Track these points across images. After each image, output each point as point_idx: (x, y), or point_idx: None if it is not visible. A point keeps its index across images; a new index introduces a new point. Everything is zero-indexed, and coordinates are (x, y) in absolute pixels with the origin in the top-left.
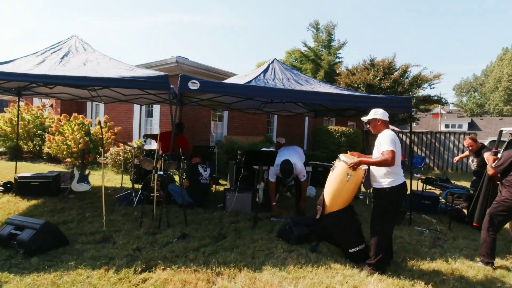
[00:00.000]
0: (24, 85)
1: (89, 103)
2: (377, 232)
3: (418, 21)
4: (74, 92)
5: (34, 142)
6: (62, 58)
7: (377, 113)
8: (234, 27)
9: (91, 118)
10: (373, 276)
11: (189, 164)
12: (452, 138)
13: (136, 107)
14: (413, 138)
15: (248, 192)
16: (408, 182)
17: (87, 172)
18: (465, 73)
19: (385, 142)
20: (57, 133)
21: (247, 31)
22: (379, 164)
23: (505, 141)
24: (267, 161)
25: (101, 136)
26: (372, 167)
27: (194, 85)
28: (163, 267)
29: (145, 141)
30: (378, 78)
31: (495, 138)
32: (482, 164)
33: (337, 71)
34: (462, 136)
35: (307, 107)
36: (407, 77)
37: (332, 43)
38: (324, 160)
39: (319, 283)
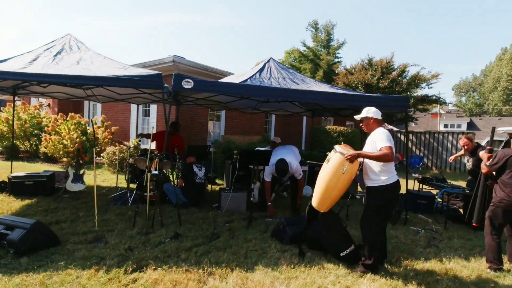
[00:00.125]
0: (18, 83)
1: (86, 103)
2: (370, 231)
3: (418, 21)
4: (70, 92)
5: (31, 142)
6: (55, 56)
7: (370, 112)
8: (234, 27)
9: (88, 117)
10: (366, 276)
11: (184, 163)
12: (450, 138)
13: (133, 107)
14: (411, 137)
15: (243, 192)
16: (404, 181)
17: (81, 171)
18: (465, 73)
19: (382, 139)
20: (53, 132)
21: (247, 31)
22: (378, 158)
23: (501, 140)
24: (262, 160)
25: (97, 136)
26: (367, 165)
27: (188, 84)
28: (154, 267)
29: (140, 141)
30: (376, 77)
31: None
32: (478, 164)
33: (336, 71)
34: (460, 136)
35: (304, 106)
36: (405, 77)
37: (331, 43)
38: (321, 160)
39: (311, 283)
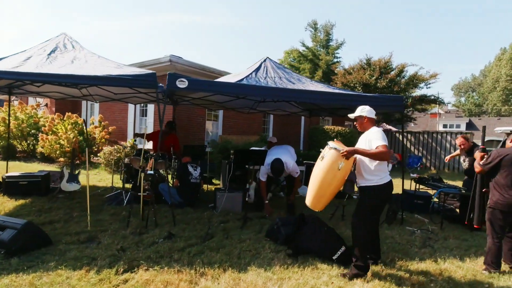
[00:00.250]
0: (11, 83)
1: (84, 103)
2: (363, 231)
3: (418, 21)
4: (65, 91)
5: (28, 142)
6: (49, 55)
7: (364, 111)
8: (234, 27)
9: (86, 117)
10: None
11: (179, 163)
12: (448, 138)
13: (131, 107)
14: (410, 137)
15: (238, 192)
16: (400, 181)
17: (77, 171)
18: (465, 72)
19: (378, 138)
20: (50, 132)
21: (247, 31)
22: (375, 156)
23: (499, 140)
24: (257, 160)
25: (94, 136)
26: (360, 164)
27: (182, 84)
28: (146, 268)
29: (136, 141)
30: (374, 77)
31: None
32: (474, 163)
33: (334, 71)
34: (459, 135)
35: (301, 106)
36: (403, 77)
37: (330, 43)
38: None
39: (304, 283)
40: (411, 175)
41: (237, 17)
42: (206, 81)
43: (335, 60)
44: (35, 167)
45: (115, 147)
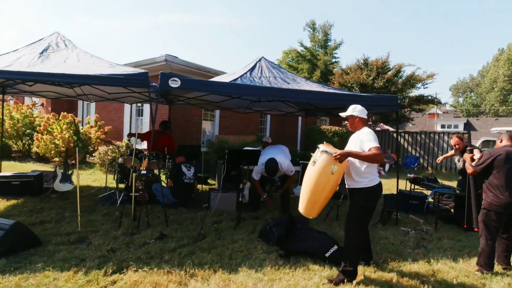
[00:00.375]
0: (2, 82)
1: (80, 102)
2: (356, 232)
3: (417, 22)
4: (59, 90)
5: (24, 141)
6: (41, 53)
7: (355, 110)
8: (234, 27)
9: (82, 117)
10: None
11: (173, 163)
12: (446, 138)
13: (127, 106)
14: (407, 137)
15: (232, 192)
16: (394, 182)
17: (70, 171)
18: (464, 73)
19: (370, 139)
20: (45, 132)
21: (247, 31)
22: (368, 158)
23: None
24: (251, 160)
25: (90, 135)
26: (351, 167)
27: (175, 83)
28: (135, 269)
29: (129, 140)
30: (372, 77)
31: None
32: (465, 165)
33: (332, 71)
34: (453, 135)
35: (297, 106)
36: (400, 77)
37: (329, 43)
38: None
39: (295, 285)
40: (408, 175)
41: (237, 17)
42: (199, 81)
43: (333, 60)
44: (30, 167)
45: (110, 147)
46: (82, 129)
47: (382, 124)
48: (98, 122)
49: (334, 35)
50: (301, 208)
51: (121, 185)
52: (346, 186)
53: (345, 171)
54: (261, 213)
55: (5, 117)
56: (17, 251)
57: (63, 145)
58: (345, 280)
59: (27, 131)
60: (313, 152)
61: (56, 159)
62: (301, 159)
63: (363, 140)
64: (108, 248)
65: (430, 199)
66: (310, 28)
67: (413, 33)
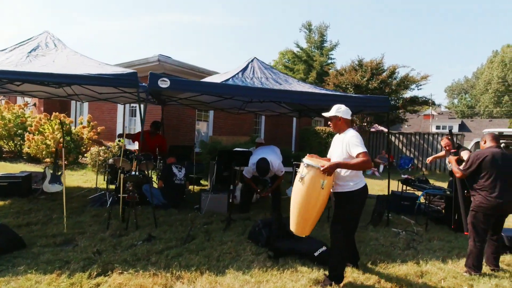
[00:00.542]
0: None
1: (73, 102)
2: (343, 235)
3: (414, 23)
4: (50, 90)
5: (15, 142)
6: (30, 53)
7: (339, 111)
8: (234, 27)
9: (75, 117)
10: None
11: (164, 164)
12: (440, 139)
13: (120, 107)
14: (401, 138)
15: (223, 193)
16: (385, 182)
17: (59, 172)
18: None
19: (357, 144)
20: (36, 132)
21: (247, 31)
22: (357, 166)
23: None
24: (242, 160)
25: (82, 136)
26: (336, 171)
27: (164, 83)
28: (121, 271)
29: (119, 141)
30: (366, 79)
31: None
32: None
33: (328, 72)
34: (443, 137)
35: (290, 107)
36: (395, 78)
37: (325, 44)
38: None
39: (282, 287)
40: (402, 176)
41: (237, 17)
42: (189, 81)
43: (329, 61)
44: (20, 168)
45: (102, 147)
46: (74, 129)
47: (376, 125)
48: (91, 123)
49: (330, 36)
50: (293, 227)
51: (112, 186)
52: (332, 190)
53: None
54: (252, 214)
55: None
56: (0, 254)
57: (55, 146)
58: (332, 284)
59: (19, 131)
60: (307, 151)
61: (48, 159)
62: (295, 160)
63: (350, 144)
64: (94, 250)
65: (422, 200)
66: (306, 29)
67: (409, 35)
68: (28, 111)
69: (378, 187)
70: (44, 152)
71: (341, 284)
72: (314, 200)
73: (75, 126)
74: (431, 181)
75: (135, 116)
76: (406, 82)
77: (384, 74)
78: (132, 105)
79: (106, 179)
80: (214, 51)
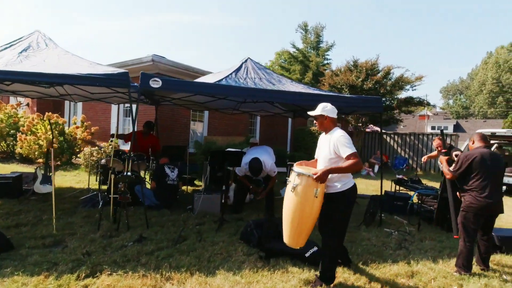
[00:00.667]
0: None
1: (66, 103)
2: (335, 236)
3: (410, 24)
4: (42, 90)
5: (7, 142)
6: (20, 53)
7: (325, 110)
8: (234, 27)
9: (69, 117)
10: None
11: (156, 164)
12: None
13: (114, 107)
14: (396, 139)
15: (217, 193)
16: (385, 183)
17: (51, 173)
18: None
19: (345, 144)
20: (29, 132)
21: (247, 31)
22: (348, 169)
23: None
24: (234, 161)
25: (76, 136)
26: None
27: (156, 83)
28: (109, 272)
29: (111, 141)
30: (361, 79)
31: None
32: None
33: (323, 72)
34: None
35: (284, 107)
36: (389, 79)
37: (321, 45)
38: None
39: (272, 287)
40: (397, 176)
41: (237, 17)
42: (181, 81)
43: (325, 62)
44: (12, 168)
45: (95, 147)
46: (68, 129)
47: (372, 125)
48: (85, 123)
49: (327, 37)
50: (287, 239)
51: (104, 187)
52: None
53: None
54: (245, 215)
55: None
56: None
57: (47, 146)
58: (323, 284)
59: (11, 131)
60: (302, 151)
61: (40, 160)
62: (290, 160)
63: (338, 144)
64: (83, 251)
65: (415, 199)
66: (302, 30)
67: (405, 35)
68: (21, 111)
69: (372, 187)
70: (36, 153)
71: (331, 285)
72: (308, 210)
73: (69, 126)
74: (426, 182)
75: (129, 116)
76: (400, 83)
77: (379, 74)
78: (126, 105)
79: (98, 180)
80: (214, 51)
